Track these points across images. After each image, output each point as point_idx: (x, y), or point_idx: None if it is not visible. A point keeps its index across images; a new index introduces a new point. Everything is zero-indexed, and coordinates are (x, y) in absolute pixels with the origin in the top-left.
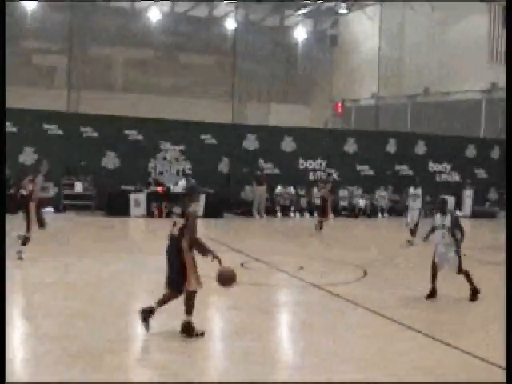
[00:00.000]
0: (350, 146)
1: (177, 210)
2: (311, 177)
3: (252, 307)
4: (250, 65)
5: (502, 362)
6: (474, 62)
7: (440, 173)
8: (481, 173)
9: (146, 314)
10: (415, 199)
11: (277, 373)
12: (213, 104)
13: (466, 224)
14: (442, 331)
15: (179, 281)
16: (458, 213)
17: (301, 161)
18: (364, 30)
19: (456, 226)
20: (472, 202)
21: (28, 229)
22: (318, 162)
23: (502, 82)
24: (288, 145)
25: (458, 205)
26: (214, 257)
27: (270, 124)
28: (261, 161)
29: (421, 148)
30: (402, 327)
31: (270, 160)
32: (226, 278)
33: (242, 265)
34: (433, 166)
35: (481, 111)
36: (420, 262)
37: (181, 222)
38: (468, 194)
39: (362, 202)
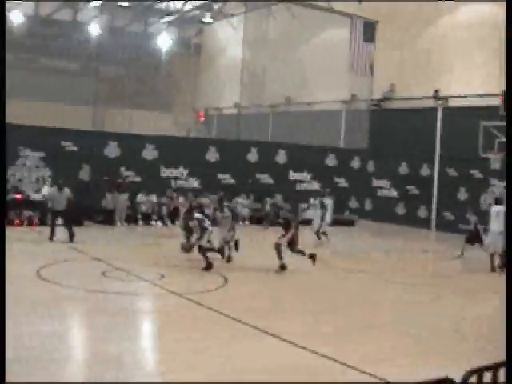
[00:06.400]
0: (212, 155)
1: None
2: (173, 185)
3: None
4: (112, 71)
5: None
6: (335, 74)
7: (301, 181)
8: (341, 182)
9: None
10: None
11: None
12: (74, 110)
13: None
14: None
15: None
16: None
17: (162, 169)
18: (228, 39)
19: None
20: (332, 211)
21: None
22: (180, 170)
23: (360, 93)
24: (149, 153)
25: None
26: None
27: (131, 131)
28: (122, 169)
29: (281, 157)
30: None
31: (131, 168)
32: None
33: (103, 274)
34: (293, 175)
35: (341, 122)
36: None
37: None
38: (328, 203)
39: None
